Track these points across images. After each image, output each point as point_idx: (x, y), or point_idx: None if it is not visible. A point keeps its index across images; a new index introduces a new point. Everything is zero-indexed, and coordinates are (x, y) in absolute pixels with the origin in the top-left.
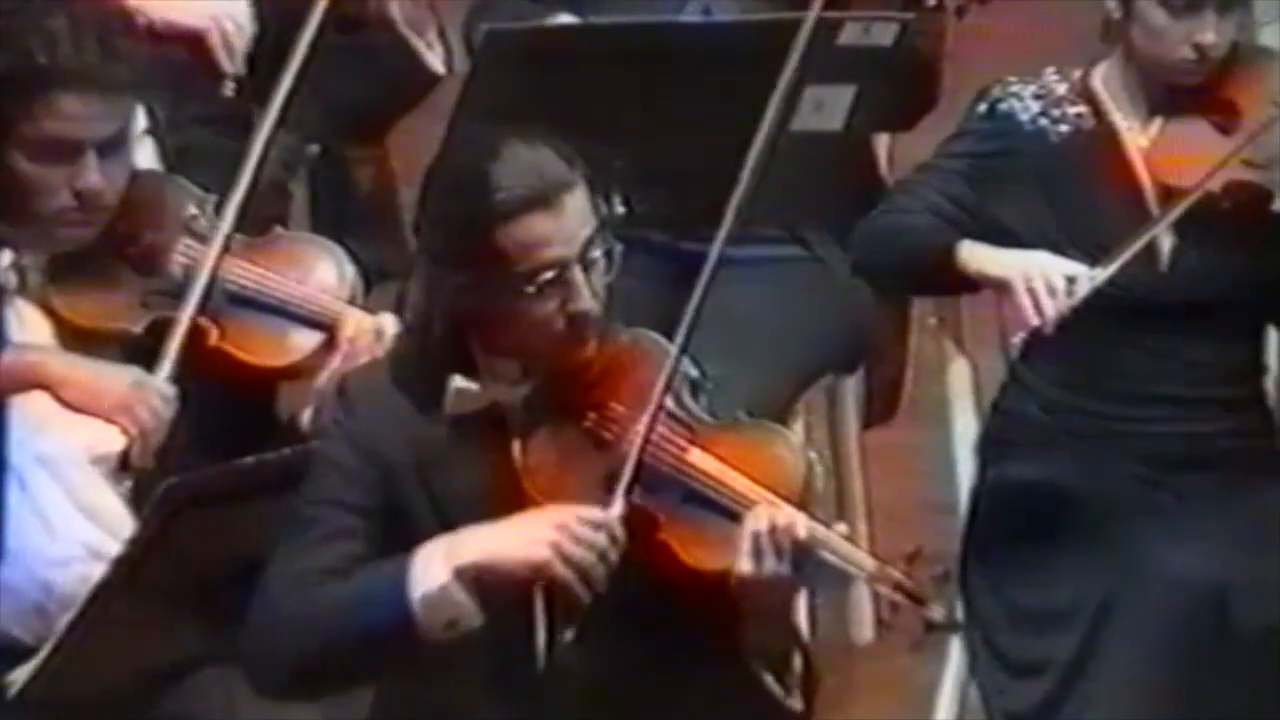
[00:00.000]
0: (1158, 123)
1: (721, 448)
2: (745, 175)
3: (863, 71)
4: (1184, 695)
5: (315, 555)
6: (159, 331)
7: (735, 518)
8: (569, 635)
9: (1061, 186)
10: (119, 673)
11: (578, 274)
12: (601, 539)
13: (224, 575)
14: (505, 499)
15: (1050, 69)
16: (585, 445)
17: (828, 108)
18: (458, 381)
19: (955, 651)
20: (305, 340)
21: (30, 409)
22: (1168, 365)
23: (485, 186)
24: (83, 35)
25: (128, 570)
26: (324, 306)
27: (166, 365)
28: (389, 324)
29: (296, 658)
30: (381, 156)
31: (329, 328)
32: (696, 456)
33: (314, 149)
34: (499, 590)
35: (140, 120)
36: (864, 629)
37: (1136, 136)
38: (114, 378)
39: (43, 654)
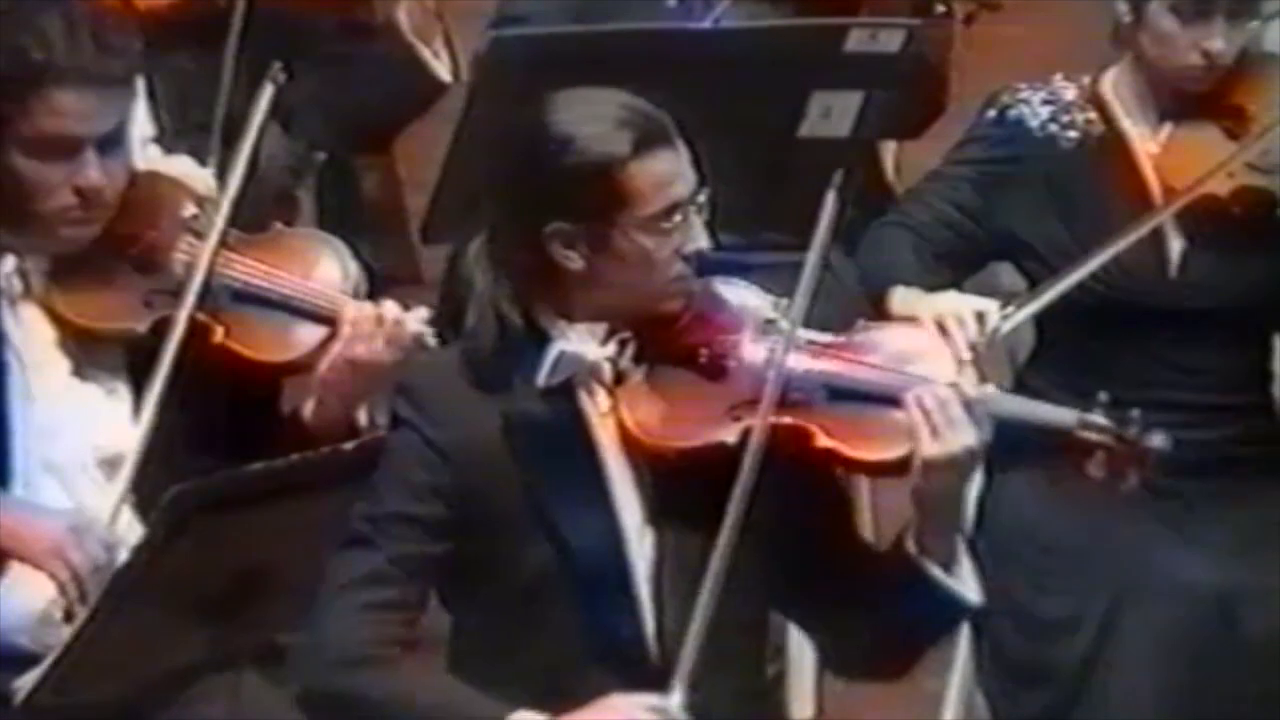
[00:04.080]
0: (1167, 128)
1: (851, 350)
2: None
3: (870, 78)
4: (1191, 702)
5: (387, 586)
6: (163, 331)
7: (894, 403)
8: None
9: (1071, 192)
10: (125, 680)
11: (694, 213)
12: None
13: (232, 581)
14: (585, 469)
15: (1059, 75)
16: (698, 382)
17: (835, 114)
18: (562, 345)
19: (961, 658)
20: (310, 335)
21: (40, 413)
22: (1174, 371)
23: (608, 131)
24: (77, 31)
25: (134, 577)
26: (327, 300)
27: (167, 363)
28: (390, 311)
29: None
30: (388, 164)
31: (333, 321)
32: (832, 359)
33: (320, 156)
34: None
35: (148, 128)
36: None
37: (1146, 142)
38: (46, 522)
39: (49, 661)
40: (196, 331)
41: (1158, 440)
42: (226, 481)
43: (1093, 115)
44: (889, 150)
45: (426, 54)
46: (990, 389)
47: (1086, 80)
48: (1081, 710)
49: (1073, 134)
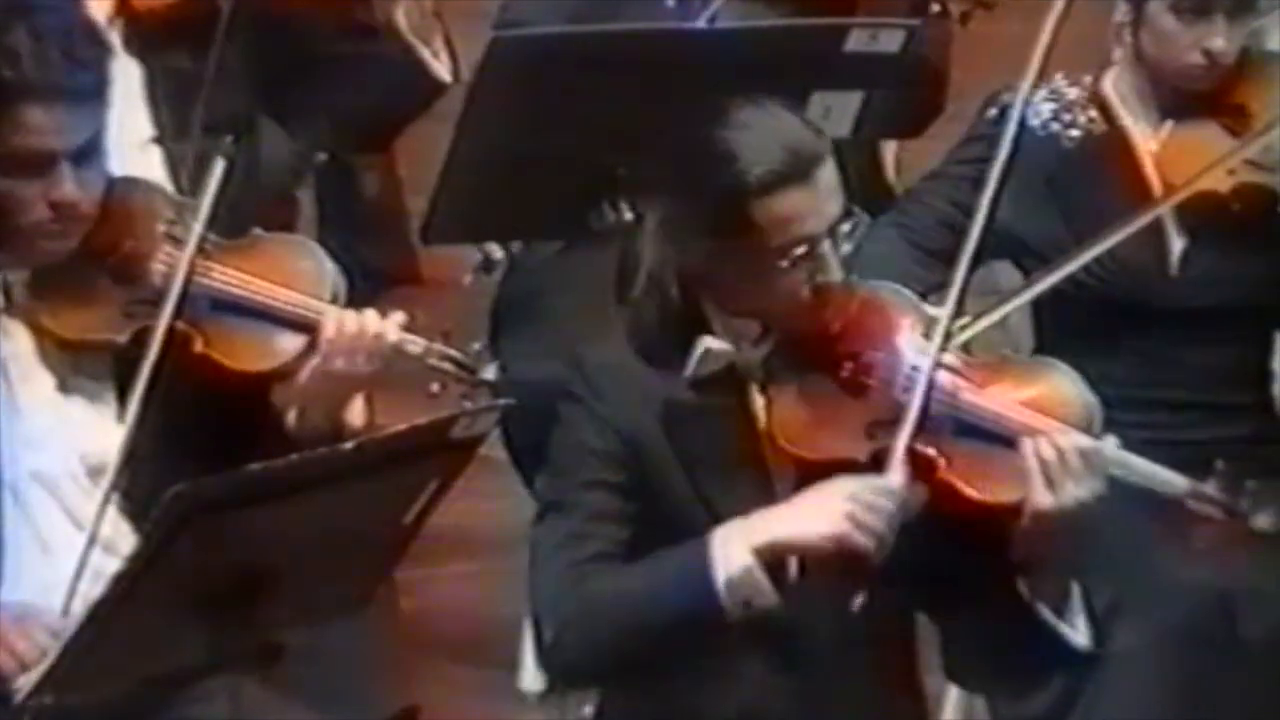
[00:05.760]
0: (1168, 126)
1: (991, 382)
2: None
3: (870, 78)
4: (1190, 702)
5: (587, 542)
6: (144, 340)
7: (1013, 445)
8: (859, 601)
9: (1072, 191)
10: (125, 680)
11: (827, 247)
12: (891, 505)
13: (231, 581)
14: (747, 456)
15: (1060, 74)
16: (839, 395)
17: (835, 114)
18: (708, 342)
19: None
20: (290, 343)
21: (26, 424)
22: (1174, 370)
23: (740, 159)
24: (45, 47)
25: (132, 581)
26: (307, 308)
27: (146, 373)
28: (369, 322)
29: (611, 649)
30: (388, 164)
31: (312, 329)
32: (967, 393)
33: (320, 156)
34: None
35: (147, 128)
36: None
37: (1147, 140)
38: None
39: (47, 663)
40: (176, 341)
41: (1262, 521)
42: (226, 481)
43: (1094, 114)
44: (889, 150)
45: (426, 54)
46: (1110, 442)
47: (1088, 79)
48: (1081, 710)
49: (1074, 133)
